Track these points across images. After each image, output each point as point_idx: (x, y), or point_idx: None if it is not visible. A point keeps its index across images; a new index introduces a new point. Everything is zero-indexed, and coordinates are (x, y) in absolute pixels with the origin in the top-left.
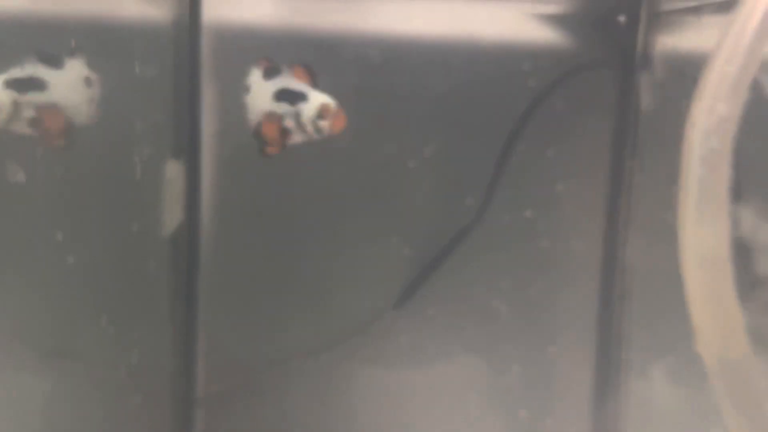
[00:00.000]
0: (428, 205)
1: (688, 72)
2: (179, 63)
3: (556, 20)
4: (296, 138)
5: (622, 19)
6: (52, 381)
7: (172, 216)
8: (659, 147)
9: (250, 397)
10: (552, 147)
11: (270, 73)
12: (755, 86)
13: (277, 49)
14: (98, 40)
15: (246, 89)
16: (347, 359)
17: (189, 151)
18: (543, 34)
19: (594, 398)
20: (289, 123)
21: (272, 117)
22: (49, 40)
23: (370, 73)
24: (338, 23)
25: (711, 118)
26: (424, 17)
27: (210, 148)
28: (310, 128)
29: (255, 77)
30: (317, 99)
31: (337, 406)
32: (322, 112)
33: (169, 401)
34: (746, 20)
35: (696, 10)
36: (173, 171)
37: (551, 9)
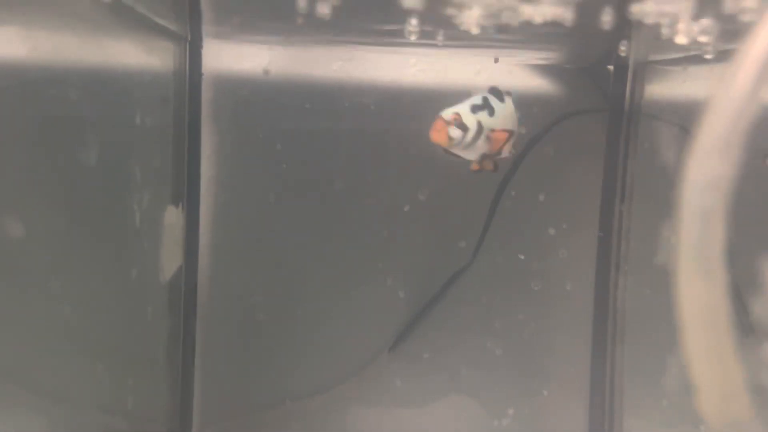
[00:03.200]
0: (423, 248)
1: (674, 119)
2: (179, 111)
3: (546, 69)
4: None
5: (610, 68)
6: (48, 425)
7: (170, 261)
8: (648, 192)
9: None
10: (544, 192)
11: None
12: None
13: (275, 98)
14: (100, 89)
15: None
16: (342, 402)
17: (188, 197)
18: (534, 83)
19: None
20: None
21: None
22: (53, 90)
23: (366, 119)
24: (334, 72)
25: (705, 175)
26: (418, 67)
27: (208, 195)
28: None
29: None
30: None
31: None
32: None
33: None
34: (738, 76)
35: (681, 61)
36: (172, 217)
37: (542, 59)
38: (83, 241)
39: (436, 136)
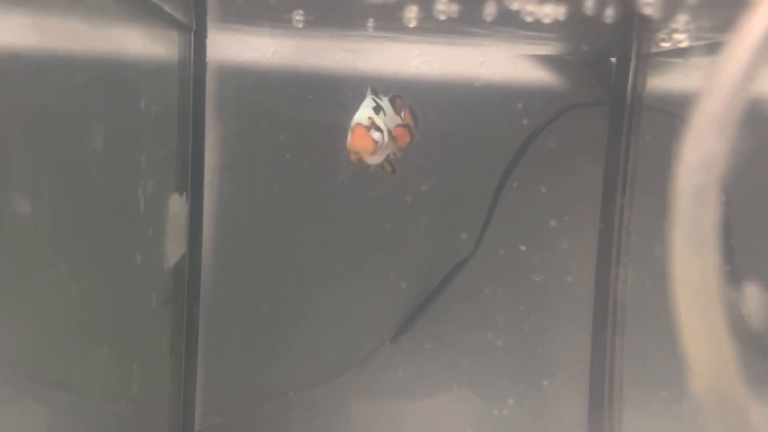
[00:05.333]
0: (425, 240)
1: (676, 111)
2: (184, 100)
3: (549, 61)
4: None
5: (612, 60)
6: (51, 412)
7: (174, 249)
8: (650, 184)
9: (248, 429)
10: (545, 183)
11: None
12: (743, 123)
13: (279, 89)
14: (106, 77)
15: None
16: (344, 393)
17: (192, 186)
18: (536, 75)
19: (588, 431)
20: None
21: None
22: (58, 77)
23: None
24: (337, 63)
25: (699, 153)
26: (422, 58)
27: (212, 184)
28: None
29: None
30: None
31: None
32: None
33: None
34: (734, 57)
35: (683, 53)
36: (176, 205)
37: (544, 50)
38: (88, 225)
39: (362, 143)
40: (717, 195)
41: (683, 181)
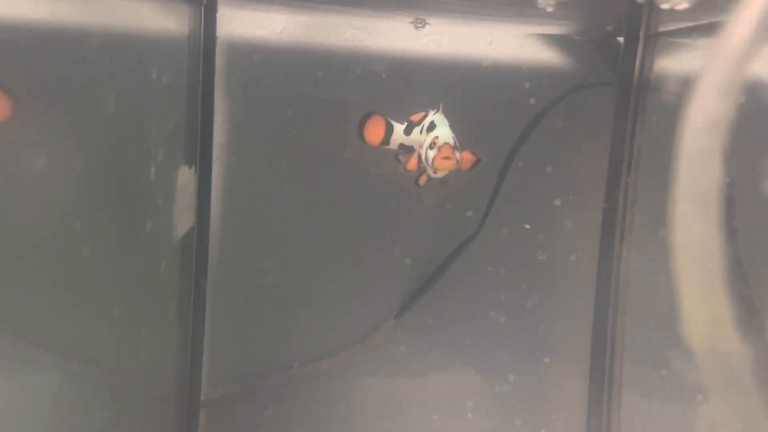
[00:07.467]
0: (430, 217)
1: (683, 92)
2: (193, 74)
3: (557, 41)
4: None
5: (620, 40)
6: (59, 379)
7: (183, 220)
8: (655, 165)
9: (252, 401)
10: (551, 163)
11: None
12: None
13: (288, 64)
14: (117, 50)
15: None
16: (348, 367)
17: (201, 159)
18: (544, 55)
19: (588, 409)
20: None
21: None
22: (71, 50)
23: (376, 89)
24: (346, 40)
25: (703, 117)
26: (429, 37)
27: (221, 158)
28: (423, 156)
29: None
30: (436, 132)
31: (337, 412)
32: (432, 142)
33: (174, 403)
34: (741, 21)
35: (690, 32)
36: (185, 177)
37: (552, 30)
38: (100, 189)
39: (452, 163)
40: (719, 158)
41: (686, 144)
